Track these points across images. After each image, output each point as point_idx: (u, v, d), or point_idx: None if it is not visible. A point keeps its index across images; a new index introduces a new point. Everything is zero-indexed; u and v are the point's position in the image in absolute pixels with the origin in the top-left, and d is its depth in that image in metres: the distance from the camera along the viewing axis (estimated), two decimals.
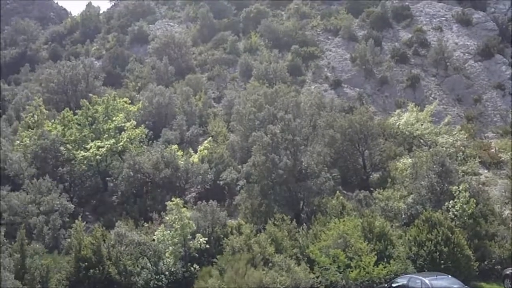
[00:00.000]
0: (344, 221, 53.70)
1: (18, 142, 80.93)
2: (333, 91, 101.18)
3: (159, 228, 56.13)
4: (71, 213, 64.97)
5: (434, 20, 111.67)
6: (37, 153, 74.95)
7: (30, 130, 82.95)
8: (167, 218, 55.11)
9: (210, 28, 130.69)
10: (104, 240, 55.22)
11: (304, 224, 57.13)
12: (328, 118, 75.33)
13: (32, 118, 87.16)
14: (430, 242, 51.03)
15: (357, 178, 72.13)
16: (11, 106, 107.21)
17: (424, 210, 55.66)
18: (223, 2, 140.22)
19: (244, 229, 55.37)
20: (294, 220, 57.60)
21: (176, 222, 53.54)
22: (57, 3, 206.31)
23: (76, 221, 59.78)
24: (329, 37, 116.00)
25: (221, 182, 70.59)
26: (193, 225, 54.29)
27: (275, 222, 56.21)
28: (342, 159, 71.88)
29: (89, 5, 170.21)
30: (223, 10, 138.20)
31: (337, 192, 61.32)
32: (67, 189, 71.75)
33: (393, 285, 46.02)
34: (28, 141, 78.18)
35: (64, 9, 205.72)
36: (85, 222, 62.77)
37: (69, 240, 58.88)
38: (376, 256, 50.29)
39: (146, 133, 79.19)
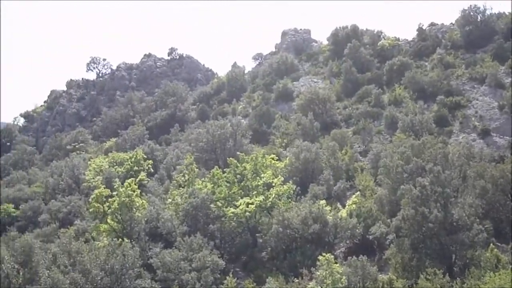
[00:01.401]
0: (499, 274, 51.93)
1: (170, 200, 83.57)
2: (482, 140, 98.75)
3: (310, 283, 56.27)
4: (222, 270, 66.09)
5: None
6: (188, 211, 76.88)
7: (181, 188, 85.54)
8: (318, 274, 55.19)
9: (354, 82, 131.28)
10: None
11: (458, 278, 55.60)
12: (478, 169, 73.40)
13: (182, 177, 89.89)
14: None
15: (511, 229, 69.61)
16: (163, 166, 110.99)
17: None
18: (366, 56, 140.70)
19: (395, 284, 54.67)
20: (447, 274, 56.23)
21: (327, 278, 53.52)
22: (203, 65, 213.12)
23: (227, 277, 61.27)
24: (475, 85, 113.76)
25: (371, 237, 69.95)
26: (345, 280, 54.10)
27: (427, 276, 55.04)
28: (494, 210, 69.46)
29: (234, 65, 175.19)
30: (366, 63, 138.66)
31: (491, 244, 59.50)
32: (218, 246, 73.15)
33: None
34: (179, 200, 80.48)
35: (211, 70, 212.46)
36: (236, 278, 63.93)
37: None
38: None
39: (293, 188, 79.75)
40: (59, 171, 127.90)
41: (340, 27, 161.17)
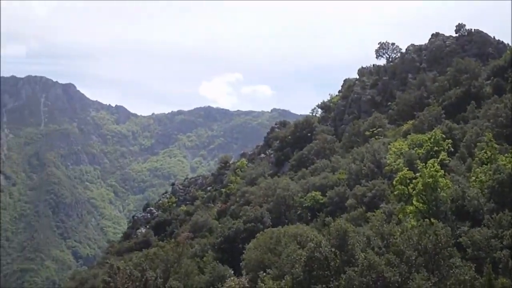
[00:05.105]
0: None
1: (473, 178, 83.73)
2: None
3: None
4: None
5: None
6: (493, 187, 76.60)
7: (484, 166, 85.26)
8: None
9: None
10: None
11: None
12: None
13: (484, 154, 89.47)
14: None
15: None
16: (462, 144, 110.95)
17: None
18: None
19: None
20: None
21: None
22: (494, 37, 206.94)
23: None
24: None
25: None
26: None
27: None
28: None
29: None
30: None
31: None
32: None
33: None
34: (483, 177, 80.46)
35: (502, 42, 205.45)
36: None
37: None
38: None
39: None
40: (360, 157, 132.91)
41: None
